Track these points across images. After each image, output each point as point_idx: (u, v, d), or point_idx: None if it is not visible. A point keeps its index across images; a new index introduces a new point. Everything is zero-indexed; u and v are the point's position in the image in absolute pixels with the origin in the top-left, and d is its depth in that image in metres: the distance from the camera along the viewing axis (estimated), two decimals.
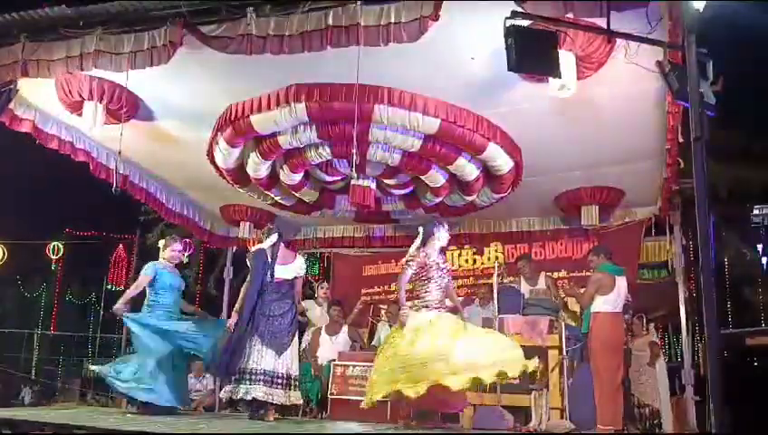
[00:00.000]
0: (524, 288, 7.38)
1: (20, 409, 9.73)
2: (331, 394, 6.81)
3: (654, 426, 6.92)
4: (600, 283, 6.30)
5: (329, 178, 7.02)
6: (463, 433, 5.44)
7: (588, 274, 6.97)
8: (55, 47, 5.22)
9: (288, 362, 5.75)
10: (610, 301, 6.24)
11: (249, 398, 5.54)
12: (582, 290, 6.65)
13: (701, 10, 4.05)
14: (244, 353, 5.61)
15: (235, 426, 5.65)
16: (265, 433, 5.11)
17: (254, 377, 5.57)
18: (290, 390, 5.73)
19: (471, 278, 9.13)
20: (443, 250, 5.75)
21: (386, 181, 7.02)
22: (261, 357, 5.62)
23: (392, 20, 4.50)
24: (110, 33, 5.08)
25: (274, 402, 5.59)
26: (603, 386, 6.08)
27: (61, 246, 17.01)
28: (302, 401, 6.13)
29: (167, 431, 4.86)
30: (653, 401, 6.97)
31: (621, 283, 6.34)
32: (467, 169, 6.48)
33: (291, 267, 5.90)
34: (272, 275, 5.74)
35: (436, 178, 6.68)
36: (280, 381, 5.67)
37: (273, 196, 7.51)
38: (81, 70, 5.28)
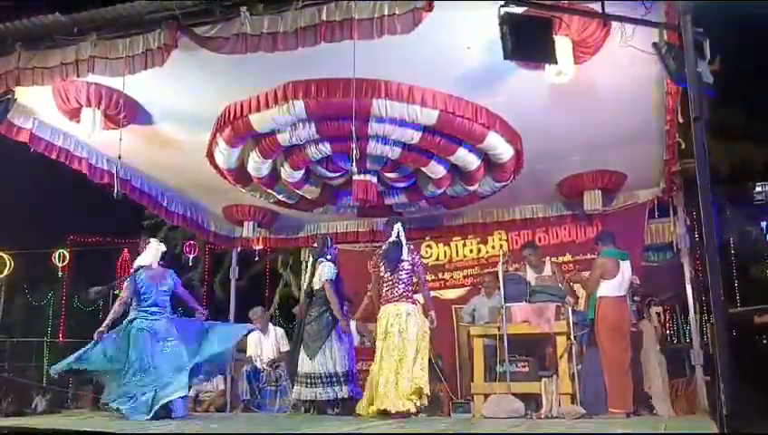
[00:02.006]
0: (530, 276, 7.37)
1: (34, 417, 9.78)
2: None
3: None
4: (604, 268, 6.30)
5: (330, 175, 7.01)
6: (474, 433, 5.44)
7: (593, 257, 6.97)
8: (50, 55, 5.22)
9: (325, 362, 6.30)
10: (615, 285, 6.24)
11: (302, 399, 6.45)
12: (587, 275, 6.67)
13: None
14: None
15: (243, 425, 5.67)
16: (270, 433, 5.11)
17: (299, 380, 6.42)
18: (331, 386, 6.27)
19: (476, 268, 9.10)
20: None
21: (387, 175, 7.02)
22: (302, 361, 6.40)
23: (386, 12, 4.48)
24: (105, 39, 5.08)
25: (317, 399, 6.31)
26: (612, 370, 6.09)
27: (66, 253, 17.02)
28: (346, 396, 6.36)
29: (177, 432, 4.88)
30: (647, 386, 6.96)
31: (625, 267, 6.34)
32: (468, 158, 6.48)
33: (316, 279, 6.58)
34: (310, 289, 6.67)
35: (437, 169, 6.67)
36: (320, 380, 6.29)
37: (275, 194, 7.51)
38: (77, 76, 5.27)
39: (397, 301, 5.87)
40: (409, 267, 5.98)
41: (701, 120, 3.91)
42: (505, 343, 6.39)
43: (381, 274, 6.02)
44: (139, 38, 4.96)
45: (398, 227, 6.08)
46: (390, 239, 6.05)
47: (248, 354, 8.43)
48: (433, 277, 9.11)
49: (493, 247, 8.99)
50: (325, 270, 6.52)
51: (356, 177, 6.57)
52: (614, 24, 4.55)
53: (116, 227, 17.06)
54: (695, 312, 7.59)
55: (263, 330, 8.34)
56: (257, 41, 4.72)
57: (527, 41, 4.27)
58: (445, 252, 9.29)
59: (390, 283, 5.93)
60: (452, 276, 9.26)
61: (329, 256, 6.64)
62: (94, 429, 4.85)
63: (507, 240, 8.93)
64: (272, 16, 4.70)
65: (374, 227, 9.18)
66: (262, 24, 4.70)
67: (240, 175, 7.01)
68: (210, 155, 6.71)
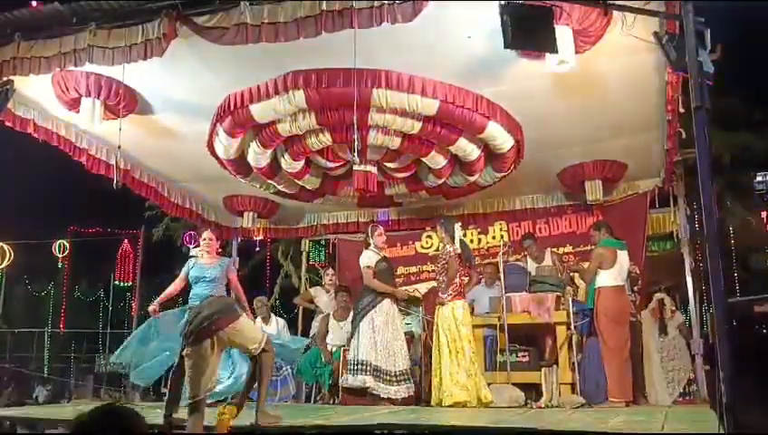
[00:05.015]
0: (530, 266, 7.38)
1: (35, 407, 9.81)
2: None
3: None
4: (602, 257, 6.32)
5: (330, 165, 7.01)
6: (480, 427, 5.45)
7: (594, 247, 6.97)
8: (49, 44, 5.19)
9: (352, 349, 6.57)
10: (613, 275, 6.26)
11: None
12: (586, 265, 6.69)
13: None
14: None
15: (246, 416, 5.67)
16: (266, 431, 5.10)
17: None
18: (353, 374, 6.46)
19: (477, 258, 9.07)
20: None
21: (387, 165, 7.01)
22: None
23: (386, 1, 4.47)
24: (104, 29, 5.05)
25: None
26: (612, 359, 6.11)
27: (66, 244, 17.02)
28: (363, 385, 6.39)
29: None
30: None
31: (623, 256, 6.34)
32: (468, 149, 6.47)
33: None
34: None
35: (437, 159, 6.67)
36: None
37: (275, 184, 7.50)
38: (75, 65, 5.25)
39: (464, 297, 6.41)
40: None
41: (702, 109, 3.90)
42: (506, 333, 6.41)
43: (456, 270, 6.30)
44: (139, 28, 4.93)
45: (458, 226, 6.55)
46: (458, 238, 6.46)
47: None
48: (433, 267, 9.12)
49: (493, 238, 8.97)
50: (363, 258, 6.73)
51: (356, 167, 6.56)
52: (615, 13, 4.53)
53: (117, 218, 17.07)
54: (695, 301, 7.61)
55: (265, 319, 8.35)
56: (257, 31, 4.69)
57: (528, 30, 4.26)
58: None
59: (462, 280, 6.38)
60: None
61: (372, 244, 6.79)
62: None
63: (508, 231, 8.92)
64: (271, 6, 4.68)
65: (375, 217, 9.18)
66: (262, 13, 4.68)
67: (240, 165, 7.00)
68: (210, 145, 6.71)
